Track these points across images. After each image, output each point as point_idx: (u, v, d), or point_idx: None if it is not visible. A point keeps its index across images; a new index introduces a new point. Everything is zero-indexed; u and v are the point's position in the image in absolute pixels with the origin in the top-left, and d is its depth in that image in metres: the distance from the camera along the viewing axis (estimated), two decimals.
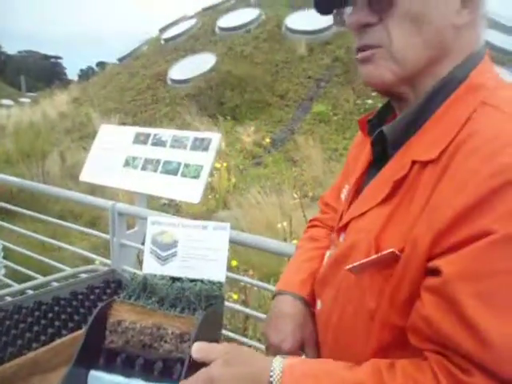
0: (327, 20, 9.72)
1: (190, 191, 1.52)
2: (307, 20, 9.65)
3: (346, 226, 0.70)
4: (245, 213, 4.67)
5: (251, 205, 4.72)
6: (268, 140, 7.39)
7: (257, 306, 2.48)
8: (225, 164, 5.84)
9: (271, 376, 0.55)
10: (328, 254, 0.78)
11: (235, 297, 2.33)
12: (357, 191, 0.73)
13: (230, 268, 2.81)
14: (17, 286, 1.57)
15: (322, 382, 0.53)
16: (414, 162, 0.58)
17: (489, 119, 0.54)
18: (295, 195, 4.16)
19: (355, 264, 0.60)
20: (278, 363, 0.56)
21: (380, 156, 0.68)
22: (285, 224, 3.56)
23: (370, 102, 8.25)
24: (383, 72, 0.62)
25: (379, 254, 0.57)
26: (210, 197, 5.45)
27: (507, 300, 0.46)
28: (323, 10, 0.71)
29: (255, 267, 3.21)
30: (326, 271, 0.75)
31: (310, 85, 8.92)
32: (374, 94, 8.29)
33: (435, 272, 0.51)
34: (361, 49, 0.64)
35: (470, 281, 0.48)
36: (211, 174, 5.60)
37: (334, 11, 0.71)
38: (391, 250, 0.56)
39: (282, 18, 10.51)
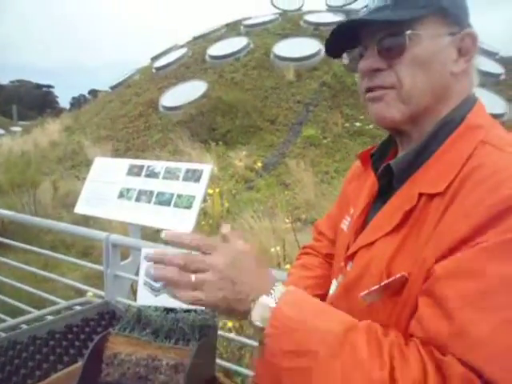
0: (314, 47, 10.04)
1: (183, 221, 1.55)
2: (294, 47, 9.95)
3: (353, 255, 0.73)
4: None
5: (244, 229, 4.73)
6: (260, 164, 7.48)
7: (253, 331, 2.46)
8: (217, 189, 5.88)
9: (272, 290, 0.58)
10: (335, 282, 0.80)
11: (230, 323, 2.32)
12: (363, 222, 0.77)
13: None
14: (11, 321, 1.57)
15: (319, 313, 0.57)
16: (420, 195, 0.64)
17: (490, 156, 0.60)
18: (287, 220, 4.18)
19: (369, 290, 0.63)
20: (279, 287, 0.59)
21: (385, 189, 0.73)
22: (278, 248, 3.57)
23: (358, 124, 8.44)
24: (393, 111, 0.68)
25: (391, 279, 0.61)
26: (203, 223, 5.46)
27: (491, 300, 0.50)
28: (333, 53, 0.78)
29: None
30: (334, 300, 0.76)
31: (299, 109, 9.11)
32: (361, 117, 8.49)
33: (430, 275, 0.56)
34: (370, 89, 0.70)
35: (457, 279, 0.52)
36: (204, 200, 5.63)
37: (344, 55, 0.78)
38: (402, 273, 0.60)
39: (269, 46, 10.81)
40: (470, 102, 0.70)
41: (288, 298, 0.58)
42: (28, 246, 1.96)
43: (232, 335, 1.53)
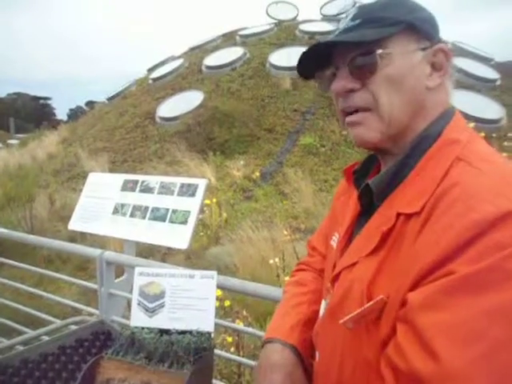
0: None
1: (178, 237, 1.53)
2: (290, 56, 10.01)
3: (338, 275, 0.72)
4: (237, 248, 4.64)
5: (243, 240, 4.70)
6: (258, 173, 7.46)
7: (252, 347, 2.43)
8: (215, 200, 5.85)
9: None
10: (324, 303, 0.79)
11: (229, 339, 2.28)
12: (348, 240, 0.76)
13: (223, 308, 2.77)
14: (6, 342, 1.53)
15: None
16: (398, 215, 0.62)
17: (463, 175, 0.58)
18: (285, 232, 4.15)
19: (348, 317, 0.62)
20: None
21: (367, 207, 0.72)
22: (277, 260, 3.54)
23: None
24: (373, 134, 0.68)
25: (370, 304, 0.60)
26: (201, 233, 5.42)
27: (460, 331, 0.49)
28: (305, 74, 0.77)
29: (250, 306, 3.16)
30: (322, 322, 0.76)
31: (296, 118, 9.13)
32: None
33: (405, 302, 0.55)
34: (347, 111, 0.70)
35: (429, 310, 0.52)
36: (202, 211, 5.60)
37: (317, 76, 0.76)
38: (381, 297, 0.59)
39: (266, 55, 10.87)
40: (447, 116, 0.68)
41: None
42: (21, 264, 1.93)
43: (230, 355, 1.49)
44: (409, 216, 0.60)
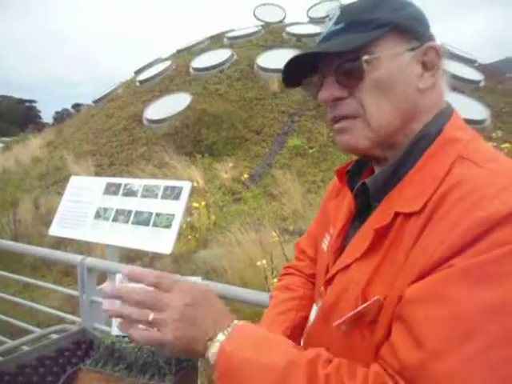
0: None
1: (162, 242, 1.48)
2: (277, 59, 10.02)
3: (332, 278, 0.70)
4: (225, 251, 4.61)
5: (232, 243, 4.66)
6: (246, 175, 7.43)
7: None
8: (203, 202, 5.81)
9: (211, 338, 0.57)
10: (315, 307, 0.77)
11: None
12: (342, 242, 0.73)
13: None
14: None
15: (263, 348, 0.55)
16: (396, 214, 0.60)
17: (468, 173, 0.56)
18: (274, 233, 4.14)
19: (343, 319, 0.61)
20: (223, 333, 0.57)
21: (363, 207, 0.70)
22: (265, 262, 3.51)
23: None
24: (361, 142, 0.65)
25: (365, 304, 0.58)
26: (189, 237, 5.37)
27: (460, 328, 0.47)
28: (291, 83, 0.74)
29: (238, 309, 3.13)
30: (314, 325, 0.74)
31: (284, 119, 9.13)
32: None
33: (401, 299, 0.54)
34: (336, 119, 0.67)
35: (424, 304, 0.50)
36: (190, 214, 5.55)
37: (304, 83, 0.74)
38: (377, 297, 0.57)
39: (253, 57, 10.86)
40: (445, 115, 0.66)
41: (233, 336, 0.56)
42: (3, 272, 1.86)
43: None
44: (408, 215, 0.58)
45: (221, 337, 0.56)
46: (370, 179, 0.67)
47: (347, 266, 0.66)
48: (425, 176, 0.60)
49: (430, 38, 0.66)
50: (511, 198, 0.51)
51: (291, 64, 0.69)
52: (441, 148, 0.62)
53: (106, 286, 0.55)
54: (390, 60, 0.62)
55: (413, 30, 0.64)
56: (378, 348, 0.57)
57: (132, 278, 0.59)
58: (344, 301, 0.63)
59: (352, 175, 0.76)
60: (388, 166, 0.66)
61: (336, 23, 0.65)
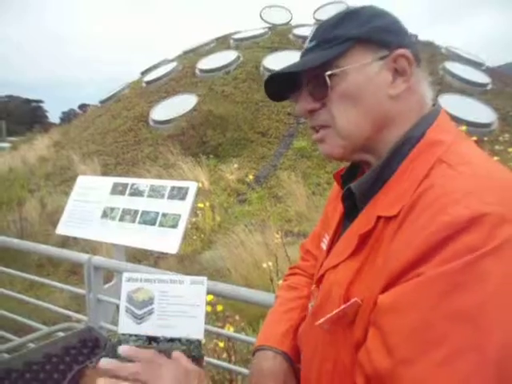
0: None
1: (168, 242, 1.49)
2: (283, 60, 10.03)
3: (322, 277, 0.71)
4: (230, 252, 4.62)
5: (236, 244, 4.67)
6: (251, 177, 7.45)
7: (245, 351, 2.40)
8: (208, 203, 5.82)
9: None
10: (309, 306, 0.79)
11: (221, 345, 2.24)
12: (333, 242, 0.76)
13: (216, 313, 2.73)
14: None
15: None
16: (379, 217, 0.61)
17: (442, 177, 0.56)
18: (277, 235, 4.14)
19: (323, 319, 0.62)
20: None
21: (351, 209, 0.71)
22: (270, 263, 3.51)
23: None
24: (334, 149, 0.69)
25: (344, 306, 0.60)
26: (194, 237, 5.38)
27: (422, 334, 0.48)
28: (276, 97, 0.78)
29: (243, 309, 3.13)
30: (305, 325, 0.75)
31: (289, 121, 9.14)
32: None
33: (375, 305, 0.55)
34: (315, 129, 0.72)
35: (394, 312, 0.51)
36: (196, 215, 5.56)
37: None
38: (355, 299, 0.59)
39: (259, 59, 10.89)
40: (430, 118, 0.66)
41: None
42: (9, 270, 1.88)
43: (221, 363, 1.46)
44: (388, 219, 0.60)
45: None
46: (355, 184, 0.69)
47: (334, 267, 0.68)
48: (405, 179, 0.61)
49: (401, 45, 0.66)
50: (476, 203, 0.50)
51: (273, 79, 0.73)
52: (423, 151, 0.62)
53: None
54: (357, 72, 0.65)
55: (379, 40, 0.66)
56: (356, 350, 0.58)
57: (127, 356, 0.65)
58: (329, 301, 0.65)
59: (346, 178, 0.79)
60: (372, 169, 0.68)
61: (310, 40, 0.71)
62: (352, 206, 0.71)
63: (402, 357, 0.48)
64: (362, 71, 0.65)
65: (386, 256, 0.56)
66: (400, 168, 0.63)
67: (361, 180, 0.69)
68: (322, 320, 0.62)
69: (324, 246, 0.82)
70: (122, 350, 0.65)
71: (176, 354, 0.67)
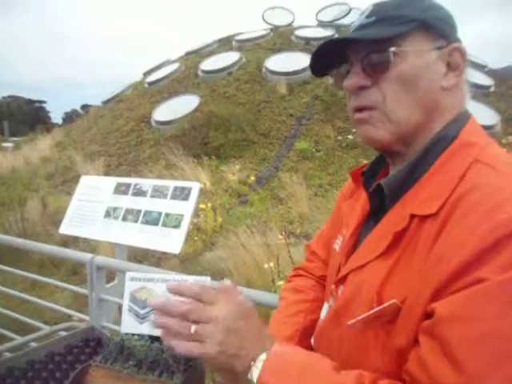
0: (305, 61, 10.14)
1: (171, 242, 1.50)
2: (286, 62, 10.04)
3: (344, 278, 0.70)
4: (232, 253, 4.61)
5: (238, 245, 4.66)
6: (253, 178, 7.44)
7: None
8: (209, 204, 5.82)
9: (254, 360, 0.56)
10: (326, 306, 0.77)
11: None
12: (354, 242, 0.74)
13: None
14: None
15: (305, 376, 0.54)
16: (412, 216, 0.60)
17: (484, 177, 0.56)
18: (280, 236, 4.13)
19: (358, 319, 0.60)
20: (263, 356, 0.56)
21: (377, 208, 0.70)
22: (272, 265, 3.51)
23: (350, 137, 8.47)
24: (381, 133, 0.66)
25: (381, 307, 0.58)
26: (196, 238, 5.38)
27: (491, 345, 0.46)
28: (319, 71, 0.76)
29: None
30: (325, 325, 0.74)
31: (291, 123, 9.13)
32: (354, 130, 8.52)
33: (430, 315, 0.52)
34: (357, 109, 0.68)
35: (459, 323, 0.49)
36: (197, 216, 5.56)
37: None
38: (393, 301, 0.57)
39: (261, 60, 10.89)
40: (463, 118, 0.67)
41: (272, 364, 0.55)
42: (10, 269, 1.88)
43: None
44: (424, 218, 0.58)
45: (263, 356, 0.55)
46: (386, 180, 0.67)
47: (361, 267, 0.66)
48: (441, 178, 0.60)
49: (457, 40, 0.67)
50: None
51: (320, 52, 0.70)
52: (457, 151, 0.62)
53: (152, 298, 0.56)
54: (416, 55, 0.64)
55: (440, 29, 0.66)
56: (399, 355, 0.56)
57: (174, 292, 0.58)
58: (357, 301, 0.64)
59: (368, 176, 0.77)
60: (405, 165, 0.66)
61: (368, 17, 0.67)
62: (378, 205, 0.70)
63: (474, 372, 0.46)
64: (421, 56, 0.64)
65: (428, 257, 0.55)
66: (433, 167, 0.63)
67: (391, 177, 0.68)
68: (353, 320, 0.61)
69: (337, 247, 0.80)
70: (168, 284, 0.59)
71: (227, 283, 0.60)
